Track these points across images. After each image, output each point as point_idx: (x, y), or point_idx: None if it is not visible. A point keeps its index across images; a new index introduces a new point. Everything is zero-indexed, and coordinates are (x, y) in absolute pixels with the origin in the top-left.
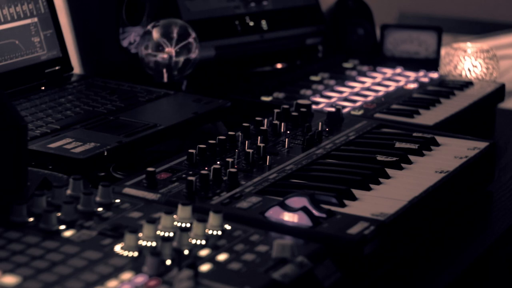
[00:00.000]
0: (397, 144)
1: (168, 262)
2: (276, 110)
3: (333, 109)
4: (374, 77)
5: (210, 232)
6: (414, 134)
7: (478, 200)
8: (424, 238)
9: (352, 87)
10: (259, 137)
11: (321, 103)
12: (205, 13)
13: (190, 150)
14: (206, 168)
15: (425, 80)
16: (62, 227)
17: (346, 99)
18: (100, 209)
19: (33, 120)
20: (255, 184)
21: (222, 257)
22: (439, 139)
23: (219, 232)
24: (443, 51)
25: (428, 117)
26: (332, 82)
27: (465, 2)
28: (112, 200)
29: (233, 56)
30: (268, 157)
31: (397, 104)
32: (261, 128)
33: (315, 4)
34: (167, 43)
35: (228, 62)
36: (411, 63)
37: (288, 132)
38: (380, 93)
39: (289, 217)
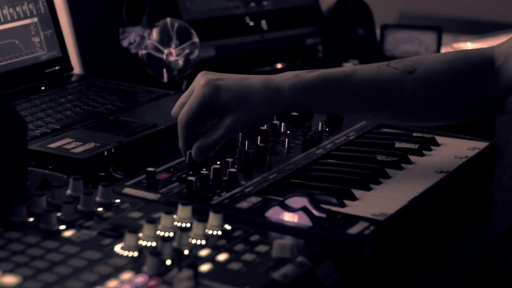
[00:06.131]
0: (397, 144)
1: (168, 262)
2: None
3: None
4: None
5: (210, 232)
6: (414, 134)
7: (478, 200)
8: (424, 238)
9: None
10: (259, 137)
11: None
12: (205, 13)
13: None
14: (209, 168)
15: None
16: (62, 227)
17: None
18: (100, 209)
19: (33, 120)
20: (255, 184)
21: (222, 257)
22: (439, 139)
23: (219, 232)
24: (443, 51)
25: None
26: None
27: (465, 2)
28: (112, 200)
29: (233, 56)
30: (268, 157)
31: None
32: (261, 128)
33: (315, 4)
34: (167, 43)
35: (228, 62)
36: None
37: (288, 132)
38: None
39: (289, 217)
